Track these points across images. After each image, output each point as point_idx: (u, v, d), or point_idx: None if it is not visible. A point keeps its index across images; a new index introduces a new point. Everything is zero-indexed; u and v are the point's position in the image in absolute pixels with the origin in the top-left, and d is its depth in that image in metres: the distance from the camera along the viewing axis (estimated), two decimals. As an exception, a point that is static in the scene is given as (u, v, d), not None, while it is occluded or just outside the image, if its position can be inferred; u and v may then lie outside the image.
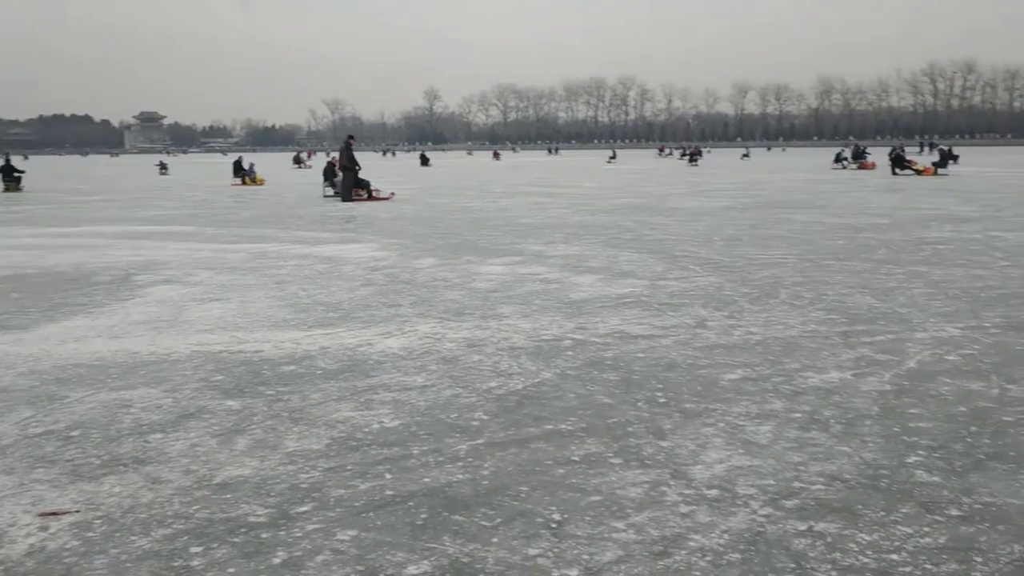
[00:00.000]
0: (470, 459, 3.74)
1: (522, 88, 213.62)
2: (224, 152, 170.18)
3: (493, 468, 3.63)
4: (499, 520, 3.12)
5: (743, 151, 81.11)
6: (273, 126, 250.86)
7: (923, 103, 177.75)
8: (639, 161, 68.01)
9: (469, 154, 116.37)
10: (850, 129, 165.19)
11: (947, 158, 35.51)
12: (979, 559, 2.78)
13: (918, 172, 32.57)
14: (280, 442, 4.01)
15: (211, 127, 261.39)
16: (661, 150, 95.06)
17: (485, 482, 3.48)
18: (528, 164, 65.44)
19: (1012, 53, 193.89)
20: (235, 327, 6.62)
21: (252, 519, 3.16)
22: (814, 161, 59.33)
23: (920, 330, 6.19)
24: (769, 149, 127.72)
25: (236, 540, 2.99)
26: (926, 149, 66.09)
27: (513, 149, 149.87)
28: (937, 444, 3.86)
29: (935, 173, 32.54)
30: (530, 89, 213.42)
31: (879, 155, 45.60)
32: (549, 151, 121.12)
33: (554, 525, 3.07)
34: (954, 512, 3.14)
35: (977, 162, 43.38)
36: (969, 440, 3.91)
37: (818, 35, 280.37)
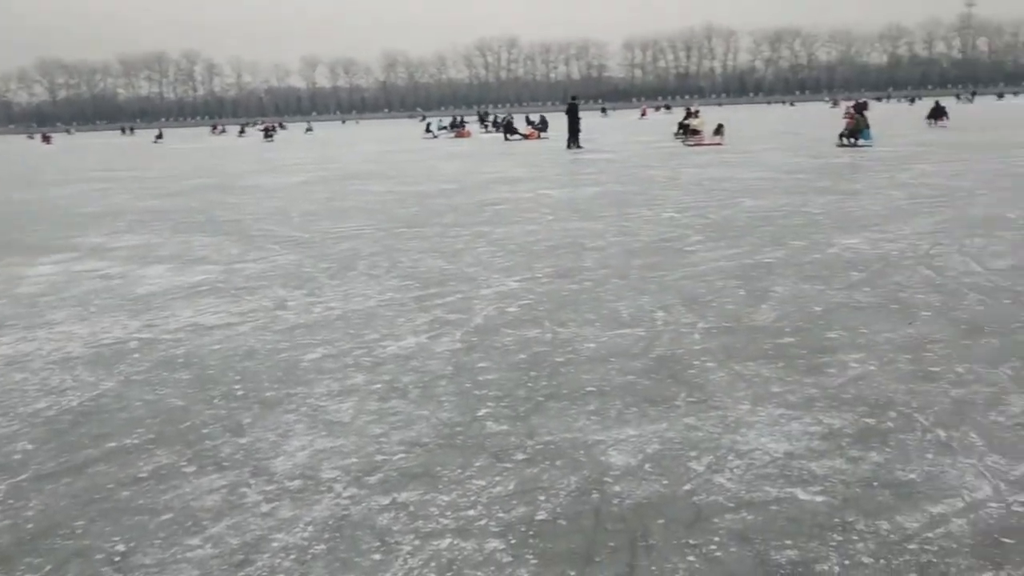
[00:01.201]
0: (11, 501, 3.18)
1: (70, 63, 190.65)
2: None
3: (41, 506, 3.13)
4: (49, 567, 2.68)
5: (306, 126, 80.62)
6: None
7: (477, 75, 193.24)
8: (198, 140, 64.78)
9: (31, 138, 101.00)
10: (416, 100, 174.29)
11: (546, 124, 40.02)
12: (543, 497, 3.02)
13: (525, 137, 35.82)
14: None
15: None
16: (214, 128, 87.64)
17: (31, 525, 2.98)
18: (86, 147, 58.93)
19: (547, 29, 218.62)
20: None
21: None
22: (396, 131, 61.56)
23: (485, 286, 6.65)
24: (343, 122, 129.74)
25: None
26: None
27: (68, 131, 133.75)
28: (504, 393, 4.15)
29: (539, 137, 36.25)
30: (80, 63, 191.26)
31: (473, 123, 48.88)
32: (123, 131, 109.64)
33: (117, 558, 2.72)
34: (520, 456, 3.38)
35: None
36: (530, 385, 4.26)
37: (381, 11, 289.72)
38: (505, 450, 3.45)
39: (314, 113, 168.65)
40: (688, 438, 3.50)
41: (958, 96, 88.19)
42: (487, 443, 3.53)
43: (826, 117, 49.65)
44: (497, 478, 3.19)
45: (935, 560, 2.51)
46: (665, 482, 3.09)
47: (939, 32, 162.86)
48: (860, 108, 26.65)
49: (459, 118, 53.34)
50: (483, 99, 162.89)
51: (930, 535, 2.65)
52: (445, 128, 48.43)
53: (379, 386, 4.34)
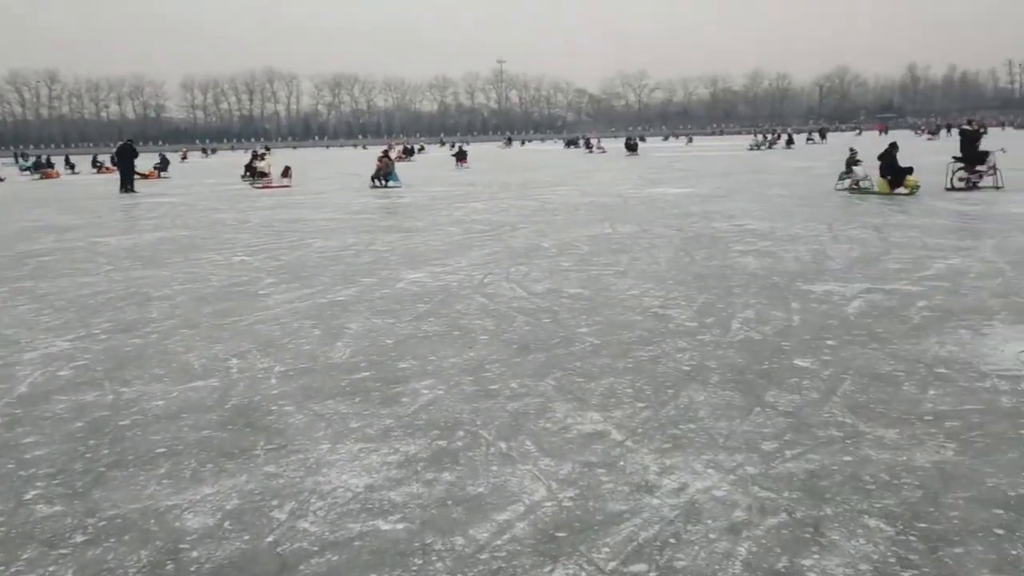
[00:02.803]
0: None
1: None
2: None
3: None
4: None
5: None
6: None
7: (12, 112, 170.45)
8: None
9: None
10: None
11: (167, 163, 39.37)
12: (108, 579, 2.71)
13: (144, 176, 32.34)
14: None
15: None
16: None
17: None
18: None
19: (94, 65, 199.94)
20: None
21: None
22: None
23: (30, 349, 5.85)
24: None
25: None
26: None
27: None
28: (57, 469, 3.67)
29: (159, 177, 35.04)
30: None
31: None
32: None
33: None
34: (80, 538, 3.00)
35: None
36: (89, 456, 3.82)
37: None
38: (60, 534, 3.04)
39: None
40: (269, 487, 3.40)
41: (505, 142, 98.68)
42: (37, 530, 3.08)
43: (388, 159, 52.52)
44: (51, 568, 2.79)
45: (504, 565, 2.74)
46: (247, 537, 2.97)
47: (478, 84, 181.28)
48: (408, 152, 28.85)
49: (45, 157, 47.43)
50: (20, 139, 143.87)
51: (499, 542, 2.89)
52: (29, 169, 42.61)
53: None
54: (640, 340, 5.63)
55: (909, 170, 16.09)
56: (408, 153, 50.07)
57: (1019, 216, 12.00)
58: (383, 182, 23.75)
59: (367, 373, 5.04)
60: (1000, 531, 2.87)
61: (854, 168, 17.28)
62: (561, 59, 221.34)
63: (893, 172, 16.03)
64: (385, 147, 28.97)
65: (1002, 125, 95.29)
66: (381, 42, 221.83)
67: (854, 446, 3.68)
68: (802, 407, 4.20)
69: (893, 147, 16.53)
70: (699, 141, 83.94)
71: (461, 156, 39.22)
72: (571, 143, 75.85)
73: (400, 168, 26.87)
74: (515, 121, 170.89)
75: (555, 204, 16.64)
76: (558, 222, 13.24)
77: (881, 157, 16.38)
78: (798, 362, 5.00)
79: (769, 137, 57.11)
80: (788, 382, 4.61)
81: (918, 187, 15.99)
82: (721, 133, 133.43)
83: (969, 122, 19.47)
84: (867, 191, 16.33)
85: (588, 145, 60.44)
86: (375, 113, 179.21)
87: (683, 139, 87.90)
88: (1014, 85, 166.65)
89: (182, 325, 6.52)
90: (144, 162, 30.82)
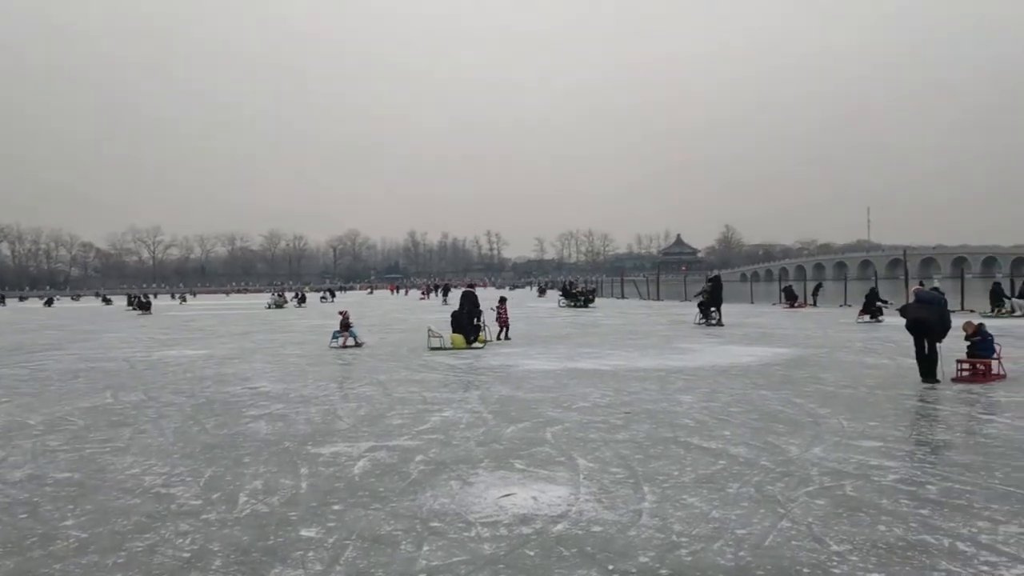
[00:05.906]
0: None
1: None
2: None
3: None
4: None
5: None
6: None
7: None
8: None
9: None
10: None
11: None
12: None
13: None
14: None
15: None
16: None
17: None
18: None
19: None
20: None
21: None
22: None
23: None
24: None
25: None
26: None
27: None
28: None
29: None
30: None
31: None
32: None
33: None
34: None
35: None
36: None
37: None
38: None
39: None
40: None
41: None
42: None
43: None
44: None
45: None
46: None
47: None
48: None
49: None
50: None
51: None
52: None
53: None
54: (136, 528, 5.15)
55: (478, 328, 18.49)
56: None
57: (499, 368, 13.76)
58: None
59: None
60: None
61: (430, 329, 18.66)
62: (66, 209, 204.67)
63: (464, 330, 18.09)
64: None
65: (484, 285, 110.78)
66: None
67: (353, 616, 3.72)
68: (305, 582, 4.17)
69: (462, 309, 18.51)
70: (226, 299, 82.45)
71: None
72: (49, 302, 73.02)
73: None
74: (8, 276, 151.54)
75: (49, 371, 14.86)
76: (50, 393, 11.78)
77: (454, 315, 18.45)
78: (304, 532, 4.99)
79: (285, 295, 58.35)
80: (293, 556, 4.56)
81: (487, 341, 18.69)
82: (245, 291, 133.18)
83: (471, 286, 22.59)
84: (441, 348, 17.60)
85: (133, 302, 55.26)
86: None
87: (180, 298, 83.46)
88: (493, 251, 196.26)
89: None
90: None
